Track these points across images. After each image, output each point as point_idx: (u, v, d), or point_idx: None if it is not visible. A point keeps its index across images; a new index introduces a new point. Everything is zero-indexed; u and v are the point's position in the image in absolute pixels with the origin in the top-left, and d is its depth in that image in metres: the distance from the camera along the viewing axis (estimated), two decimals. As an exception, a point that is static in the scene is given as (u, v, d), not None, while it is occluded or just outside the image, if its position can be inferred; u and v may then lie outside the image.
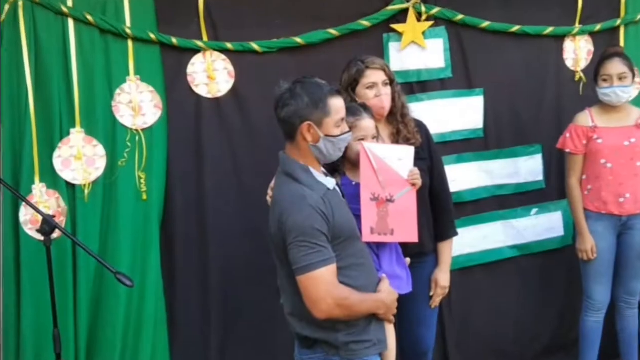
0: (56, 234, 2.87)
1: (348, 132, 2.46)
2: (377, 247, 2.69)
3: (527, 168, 3.92)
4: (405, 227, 2.70)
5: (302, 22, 3.42)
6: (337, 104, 2.38)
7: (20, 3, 2.98)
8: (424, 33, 3.61)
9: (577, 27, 3.94)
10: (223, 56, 3.34)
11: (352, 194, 2.63)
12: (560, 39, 3.94)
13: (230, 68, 3.35)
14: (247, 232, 3.39)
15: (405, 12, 3.56)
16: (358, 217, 2.58)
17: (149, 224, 3.26)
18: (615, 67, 3.48)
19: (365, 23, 3.50)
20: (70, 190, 3.13)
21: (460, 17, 3.67)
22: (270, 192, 2.74)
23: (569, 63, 3.99)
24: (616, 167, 3.51)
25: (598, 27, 3.97)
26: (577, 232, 3.65)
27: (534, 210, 3.96)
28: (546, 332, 4.07)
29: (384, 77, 2.93)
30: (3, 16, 2.98)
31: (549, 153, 3.93)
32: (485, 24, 3.73)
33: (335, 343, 2.37)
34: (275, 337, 3.41)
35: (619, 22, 4.01)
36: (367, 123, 2.71)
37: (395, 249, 2.75)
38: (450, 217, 3.10)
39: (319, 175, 2.42)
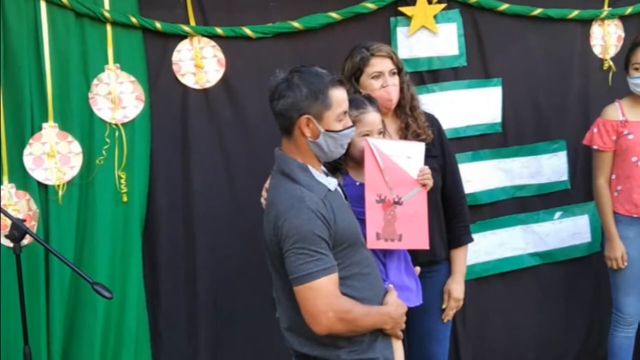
0: (27, 240, 2.88)
1: (351, 126, 2.46)
2: (383, 255, 2.69)
3: (550, 167, 3.93)
4: (414, 232, 2.70)
5: (300, 4, 3.42)
6: (339, 95, 2.38)
7: (-13, -17, 2.99)
8: (435, 17, 3.61)
9: (606, 10, 3.94)
10: (212, 42, 3.34)
11: (355, 196, 2.63)
12: (586, 23, 3.95)
13: (220, 55, 3.35)
14: (239, 237, 3.40)
15: (414, -7, 3.58)
16: (362, 221, 2.57)
17: (130, 229, 3.26)
18: (648, 54, 3.48)
19: (370, 6, 3.50)
20: (42, 192, 3.13)
21: (475, -2, 3.68)
22: (264, 194, 2.74)
23: (597, 50, 3.99)
24: (649, 165, 3.51)
25: (629, 10, 3.98)
26: (605, 238, 3.65)
27: (558, 214, 3.97)
28: (571, 349, 4.07)
29: (391, 66, 2.93)
30: (-32, -2, 2.99)
31: (574, 150, 3.94)
32: (504, 6, 3.73)
33: (336, 361, 2.37)
34: (270, 351, 3.41)
35: (652, 4, 4.02)
36: (372, 117, 2.71)
37: (404, 257, 2.75)
38: (464, 221, 3.10)
39: (319, 174, 2.41)
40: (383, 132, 2.76)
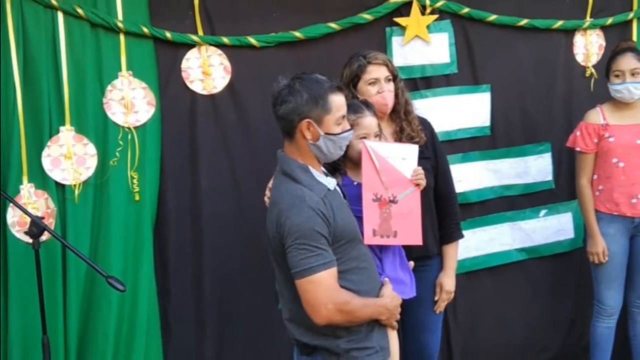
0: (45, 237, 2.88)
1: (349, 130, 2.46)
2: (379, 250, 2.69)
3: (536, 167, 3.93)
4: (408, 229, 2.71)
5: (301, 15, 3.43)
6: (337, 100, 2.38)
7: (8, -5, 2.99)
8: (428, 27, 3.61)
9: (588, 20, 3.95)
10: (219, 51, 3.34)
11: (353, 195, 2.63)
12: (570, 33, 3.95)
13: (227, 63, 3.35)
14: (244, 234, 3.39)
15: (408, 5, 3.57)
16: (360, 218, 2.58)
17: (142, 226, 3.26)
18: (628, 62, 3.48)
19: (367, 16, 3.50)
20: (59, 191, 3.13)
21: (466, 10, 3.67)
22: (268, 193, 2.75)
23: (580, 58, 3.99)
24: (628, 166, 3.51)
25: (610, 20, 3.98)
26: (587, 235, 3.65)
27: (543, 212, 3.97)
28: (556, 339, 4.07)
29: (387, 73, 2.93)
30: (-10, 9, 2.99)
31: (558, 152, 3.94)
32: (492, 17, 3.73)
33: (335, 350, 2.37)
34: (273, 343, 3.41)
35: (631, 15, 4.02)
36: (369, 121, 2.71)
37: (399, 252, 2.75)
38: (455, 218, 3.11)
39: (319, 175, 2.42)
40: (379, 135, 2.76)
